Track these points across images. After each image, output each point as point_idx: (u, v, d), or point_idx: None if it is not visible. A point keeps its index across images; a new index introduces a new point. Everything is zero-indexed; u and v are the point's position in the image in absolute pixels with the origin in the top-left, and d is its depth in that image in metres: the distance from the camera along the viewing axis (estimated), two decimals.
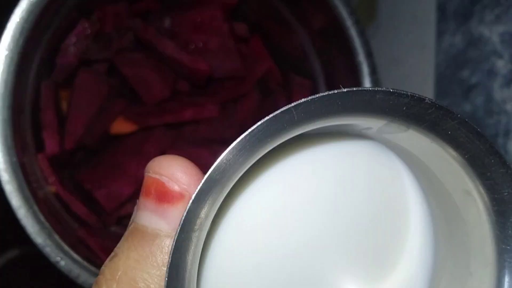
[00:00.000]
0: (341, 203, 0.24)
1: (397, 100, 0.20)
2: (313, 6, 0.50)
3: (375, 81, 0.48)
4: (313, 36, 0.53)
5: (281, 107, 0.20)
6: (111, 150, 0.53)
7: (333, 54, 0.51)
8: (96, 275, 0.43)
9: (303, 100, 0.19)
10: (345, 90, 0.20)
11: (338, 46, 0.50)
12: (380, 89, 0.20)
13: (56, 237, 0.42)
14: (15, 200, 0.41)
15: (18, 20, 0.39)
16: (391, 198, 0.25)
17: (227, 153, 0.19)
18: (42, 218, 0.42)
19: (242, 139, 0.19)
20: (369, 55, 0.48)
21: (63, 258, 0.42)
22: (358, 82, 0.48)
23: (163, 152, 0.52)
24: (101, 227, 0.50)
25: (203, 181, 0.19)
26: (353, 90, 0.20)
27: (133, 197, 0.54)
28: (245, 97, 0.57)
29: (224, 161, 0.19)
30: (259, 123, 0.19)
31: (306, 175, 0.23)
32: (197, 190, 0.19)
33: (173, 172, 0.22)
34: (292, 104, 0.19)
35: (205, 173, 0.20)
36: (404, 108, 0.20)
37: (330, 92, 0.20)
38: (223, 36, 0.52)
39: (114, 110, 0.52)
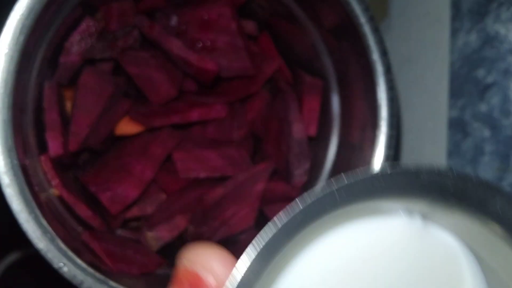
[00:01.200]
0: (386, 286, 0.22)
1: (442, 180, 0.19)
2: (324, 2, 0.48)
3: (389, 80, 0.46)
4: (325, 34, 0.51)
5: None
6: (116, 152, 0.51)
7: (345, 52, 0.49)
8: (100, 281, 0.42)
9: (346, 181, 0.19)
10: (389, 172, 0.19)
11: (351, 44, 0.48)
12: (424, 169, 0.19)
13: (59, 242, 0.40)
14: (16, 204, 0.39)
15: (18, 17, 0.38)
16: (445, 282, 0.23)
17: (266, 231, 0.19)
18: (44, 222, 0.40)
19: (282, 220, 0.19)
20: (384, 53, 0.46)
21: (66, 264, 0.40)
22: (372, 81, 0.46)
23: (169, 154, 0.50)
24: (106, 230, 0.49)
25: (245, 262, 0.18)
26: (398, 172, 0.19)
27: (139, 199, 0.52)
28: (254, 97, 0.56)
29: (265, 240, 0.19)
30: (298, 204, 0.19)
31: (348, 254, 0.22)
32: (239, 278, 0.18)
33: (209, 262, 0.20)
34: (335, 187, 0.19)
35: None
36: (449, 188, 0.19)
37: (374, 173, 0.19)
38: (231, 34, 0.50)
39: (120, 111, 0.51)
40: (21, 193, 0.39)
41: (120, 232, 0.52)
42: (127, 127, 0.50)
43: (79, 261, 0.41)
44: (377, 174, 0.19)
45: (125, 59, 0.47)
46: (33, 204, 0.40)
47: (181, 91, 0.52)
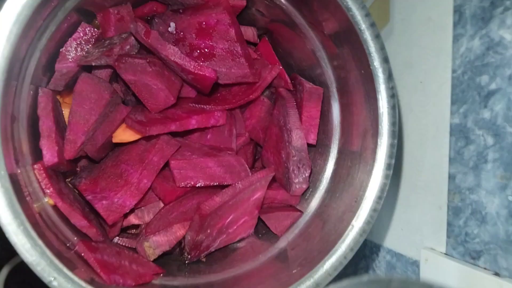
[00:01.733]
0: None
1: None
2: (325, 8, 0.44)
3: (391, 88, 0.43)
4: (325, 40, 0.48)
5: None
6: (114, 159, 0.48)
7: (346, 59, 0.46)
8: None
9: None
10: (365, 280, 0.21)
11: (351, 50, 0.44)
12: (394, 277, 0.21)
13: (50, 254, 0.37)
14: (4, 216, 0.36)
15: (4, 23, 0.34)
16: None
17: None
18: (34, 234, 0.37)
19: None
20: (385, 60, 0.42)
21: (56, 278, 0.37)
22: (373, 88, 0.43)
23: (166, 162, 0.47)
24: (102, 240, 0.45)
25: None
26: (372, 280, 0.21)
27: (137, 208, 0.49)
28: (253, 104, 0.52)
29: None
30: None
31: None
32: None
33: None
34: None
35: None
36: None
37: (352, 282, 0.21)
38: (230, 40, 0.47)
39: (117, 118, 0.47)
40: (10, 204, 0.36)
41: (117, 240, 0.49)
42: (124, 134, 0.47)
43: (70, 274, 0.38)
44: (355, 282, 0.20)
45: (121, 66, 0.44)
46: (23, 216, 0.37)
47: (180, 97, 0.49)
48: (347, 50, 0.45)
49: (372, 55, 0.43)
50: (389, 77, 0.43)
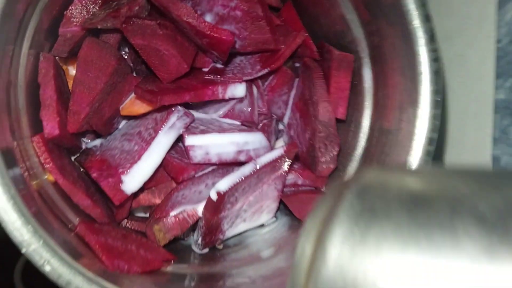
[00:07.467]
0: None
1: None
2: None
3: (433, 50, 0.36)
4: (357, 3, 0.41)
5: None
6: (123, 134, 0.43)
7: (381, 21, 0.39)
8: (91, 281, 0.33)
9: None
10: None
11: (387, 10, 0.38)
12: None
13: (44, 234, 0.32)
14: None
15: None
16: None
17: None
18: (26, 211, 0.32)
19: None
20: (427, 19, 0.36)
21: (49, 261, 0.31)
22: (412, 52, 0.36)
23: (179, 136, 0.42)
24: (108, 222, 0.40)
25: None
26: None
27: (146, 188, 0.43)
28: (275, 75, 0.46)
29: None
30: None
31: None
32: None
33: None
34: None
35: None
36: None
37: None
38: (250, 1, 0.41)
39: (125, 89, 0.42)
40: None
41: (126, 223, 0.44)
42: (134, 106, 0.42)
43: (67, 258, 0.32)
44: None
45: (129, 28, 0.39)
46: (14, 190, 0.32)
47: (194, 68, 0.43)
48: (381, 10, 0.39)
49: (411, 13, 0.36)
50: (432, 38, 0.36)
